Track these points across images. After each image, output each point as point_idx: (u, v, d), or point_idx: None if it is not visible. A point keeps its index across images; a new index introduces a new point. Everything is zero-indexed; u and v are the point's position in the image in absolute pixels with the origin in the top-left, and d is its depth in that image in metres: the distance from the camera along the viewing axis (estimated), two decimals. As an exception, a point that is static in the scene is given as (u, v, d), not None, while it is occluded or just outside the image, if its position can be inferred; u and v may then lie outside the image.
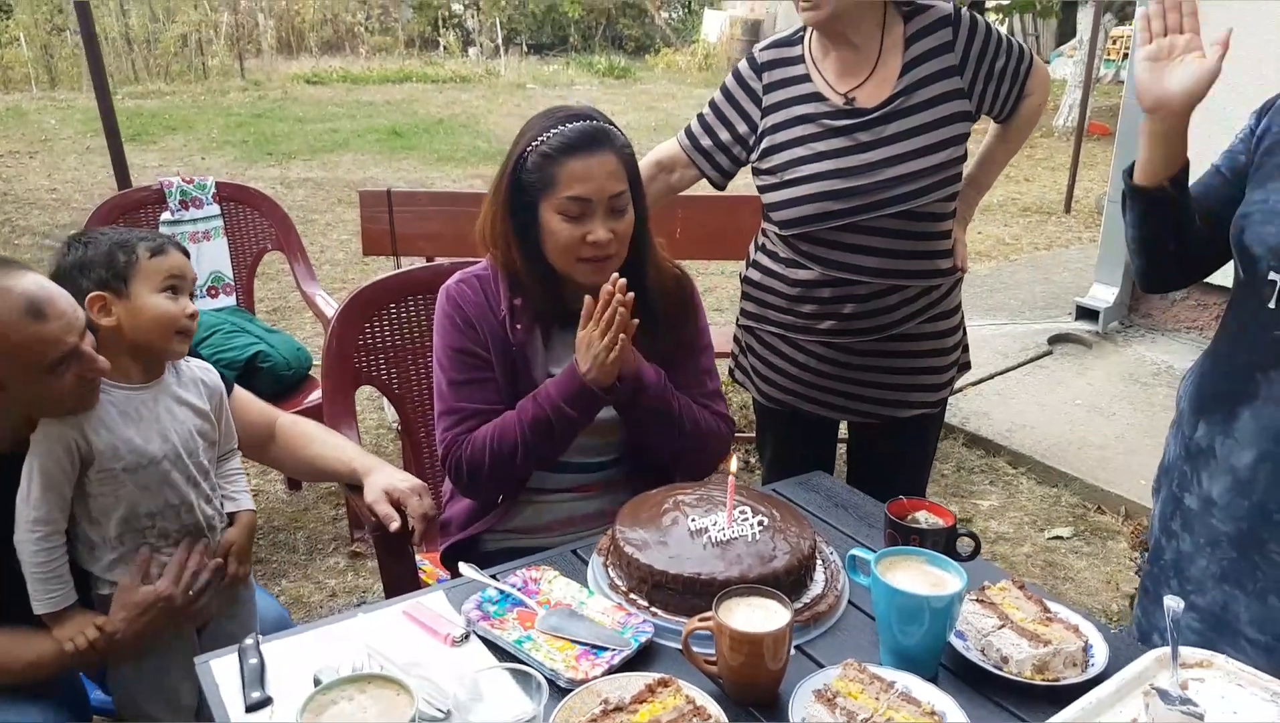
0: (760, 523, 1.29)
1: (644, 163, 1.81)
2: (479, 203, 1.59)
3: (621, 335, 1.40)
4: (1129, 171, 1.30)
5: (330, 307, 2.92)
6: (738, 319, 2.00)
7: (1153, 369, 4.08)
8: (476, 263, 1.63)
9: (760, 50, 1.86)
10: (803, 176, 1.75)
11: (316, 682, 1.04)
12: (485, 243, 1.57)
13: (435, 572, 1.82)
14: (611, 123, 1.52)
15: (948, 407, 2.04)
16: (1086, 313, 4.48)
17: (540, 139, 1.46)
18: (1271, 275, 1.21)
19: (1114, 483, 3.23)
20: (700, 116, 1.92)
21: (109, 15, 11.37)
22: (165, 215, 2.94)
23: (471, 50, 15.28)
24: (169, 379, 1.47)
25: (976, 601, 1.20)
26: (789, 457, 1.99)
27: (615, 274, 1.41)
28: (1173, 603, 1.10)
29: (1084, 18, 9.42)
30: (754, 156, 1.84)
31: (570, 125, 1.46)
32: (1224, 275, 1.38)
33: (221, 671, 1.12)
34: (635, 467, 1.63)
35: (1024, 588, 1.23)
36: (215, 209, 3.03)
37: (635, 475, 1.61)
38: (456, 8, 16.29)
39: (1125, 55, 11.07)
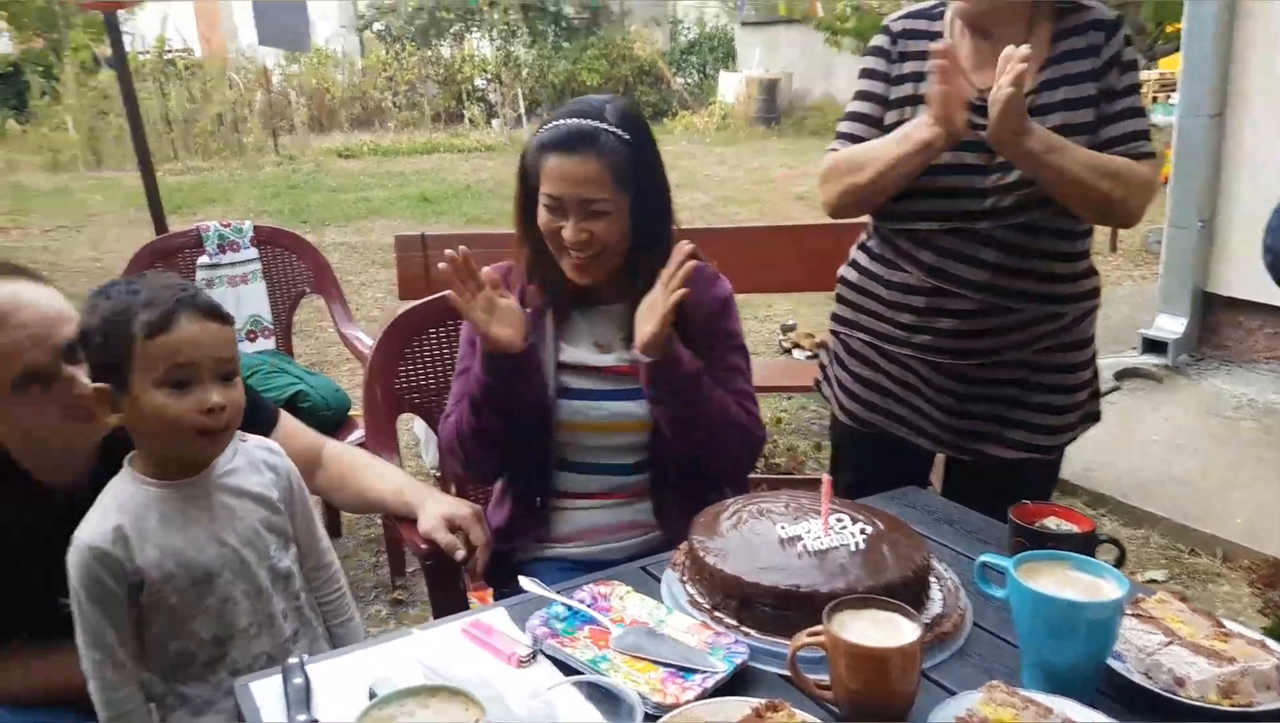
0: (863, 532, 1.11)
1: (832, 193, 1.63)
2: (511, 242, 1.56)
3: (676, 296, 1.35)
4: None
5: (368, 348, 2.82)
6: (830, 325, 1.81)
7: (1233, 402, 3.84)
8: None
9: (895, 19, 1.68)
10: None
11: (372, 695, 0.89)
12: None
13: (486, 595, 1.67)
14: (628, 119, 1.46)
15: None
16: (1153, 346, 4.26)
17: (539, 130, 1.47)
18: None
19: (1206, 522, 2.97)
20: (854, 115, 1.67)
21: (150, 97, 11.67)
22: (203, 259, 2.88)
23: (495, 121, 15.57)
24: (222, 463, 1.20)
25: (1133, 615, 1.01)
26: (865, 492, 1.71)
27: (685, 244, 1.38)
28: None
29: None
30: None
31: (562, 122, 1.44)
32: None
33: (263, 692, 0.97)
34: (660, 473, 1.53)
35: (1187, 601, 1.04)
36: (253, 252, 2.96)
37: (662, 484, 1.53)
38: (480, 83, 16.66)
39: (1154, 99, 10.99)
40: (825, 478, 1.12)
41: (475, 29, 17.47)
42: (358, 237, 7.93)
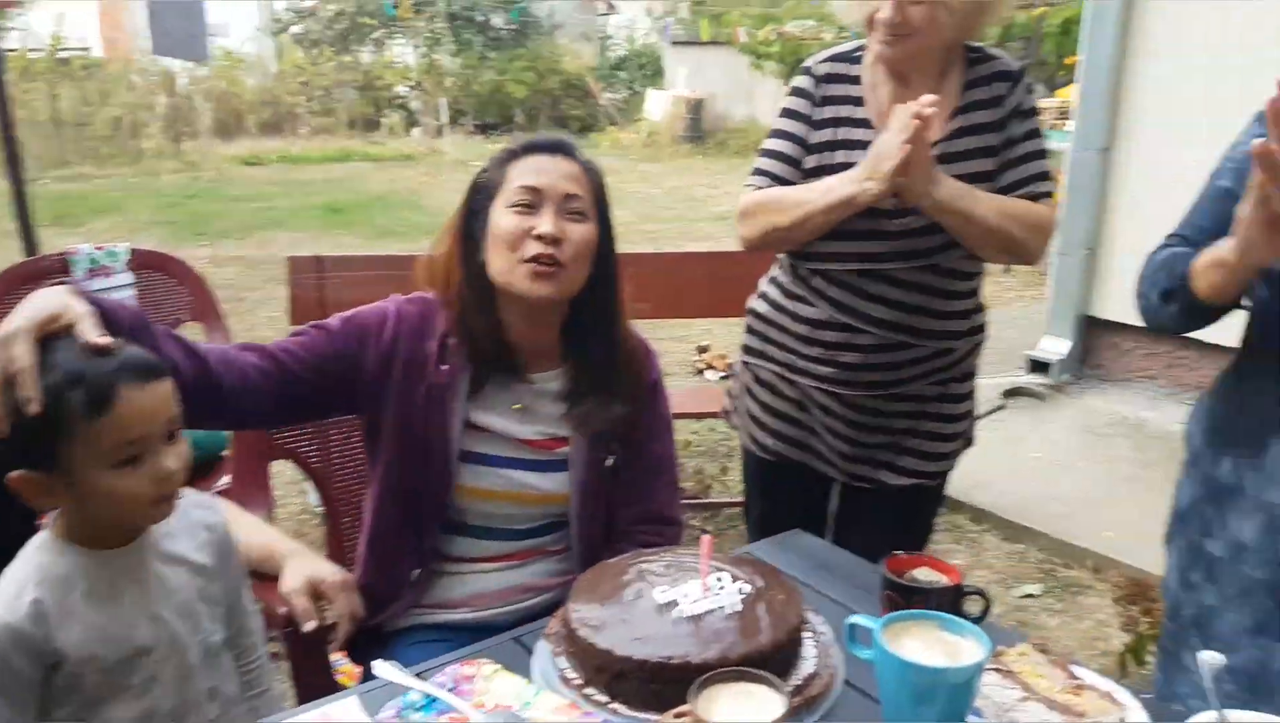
0: (741, 592, 1.11)
1: (754, 230, 1.66)
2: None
3: None
4: (1188, 280, 1.16)
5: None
6: (739, 356, 1.86)
7: (1107, 419, 4.04)
8: None
9: (818, 62, 1.71)
10: None
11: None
12: (431, 276, 1.42)
13: (355, 672, 1.59)
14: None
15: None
16: (1038, 366, 4.46)
17: (506, 147, 1.41)
18: None
19: (1080, 536, 3.14)
20: (774, 153, 1.68)
21: (39, 99, 11.11)
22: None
23: (415, 130, 15.32)
24: (159, 526, 1.10)
25: (994, 669, 1.04)
26: (777, 517, 1.81)
27: None
28: (1212, 659, 0.94)
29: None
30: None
31: (536, 135, 1.42)
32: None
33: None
34: (578, 533, 1.45)
35: (1046, 652, 1.07)
36: (128, 277, 2.75)
37: (578, 543, 1.45)
38: (401, 89, 16.37)
39: (1052, 126, 11.48)
40: (704, 538, 1.12)
41: (399, 35, 17.20)
42: (257, 250, 7.61)
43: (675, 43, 16.40)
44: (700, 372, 4.96)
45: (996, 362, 4.80)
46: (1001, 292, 6.69)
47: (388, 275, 3.11)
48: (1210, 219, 1.20)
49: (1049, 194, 1.60)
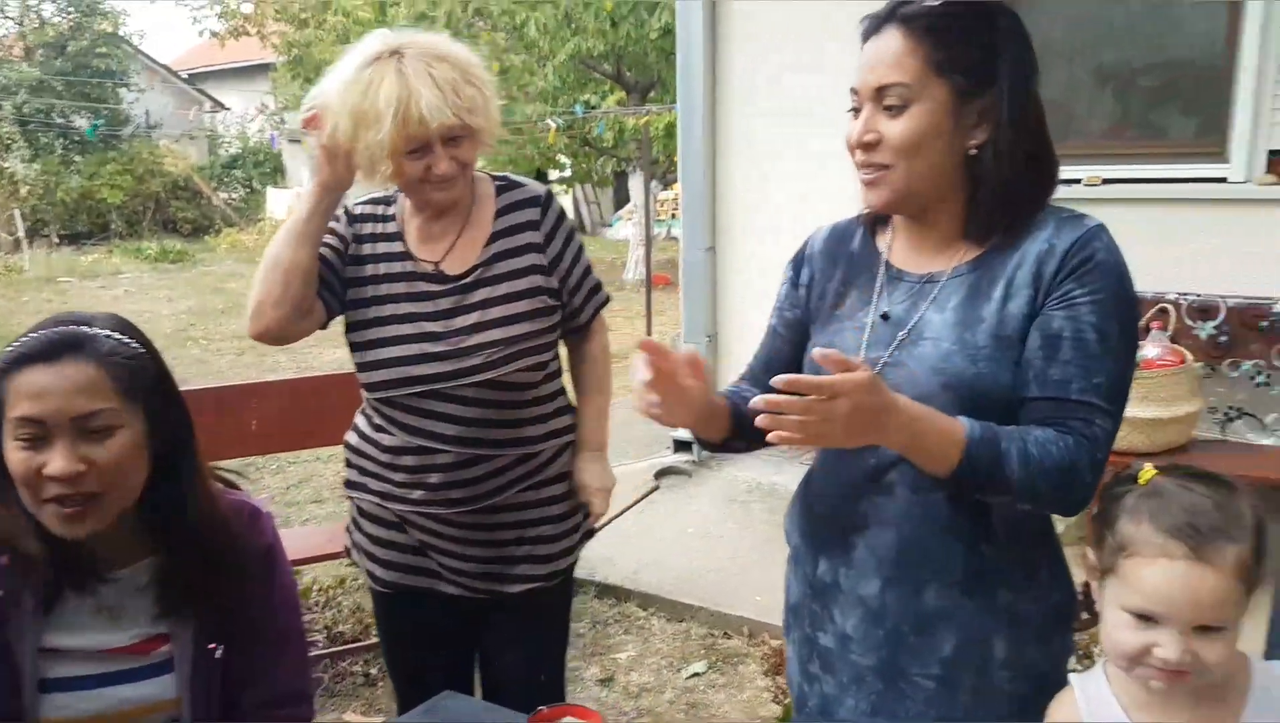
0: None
1: (249, 315, 1.68)
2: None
3: None
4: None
5: None
6: (344, 490, 1.82)
7: (745, 487, 4.41)
8: None
9: (356, 203, 1.77)
10: (385, 338, 1.65)
11: None
12: None
13: None
14: (126, 330, 1.23)
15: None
16: (682, 445, 4.77)
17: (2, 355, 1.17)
18: None
19: (734, 605, 3.32)
20: None
21: None
22: None
23: (-15, 247, 13.25)
24: None
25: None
26: (413, 656, 1.82)
27: None
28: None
29: (635, 185, 10.66)
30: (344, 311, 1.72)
31: (36, 335, 1.17)
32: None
33: None
34: None
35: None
36: None
37: None
38: (-40, 201, 14.13)
39: (673, 215, 12.74)
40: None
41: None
42: None
43: (293, 140, 15.94)
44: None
45: (649, 444, 5.06)
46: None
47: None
48: (763, 358, 1.40)
49: (605, 302, 1.82)
